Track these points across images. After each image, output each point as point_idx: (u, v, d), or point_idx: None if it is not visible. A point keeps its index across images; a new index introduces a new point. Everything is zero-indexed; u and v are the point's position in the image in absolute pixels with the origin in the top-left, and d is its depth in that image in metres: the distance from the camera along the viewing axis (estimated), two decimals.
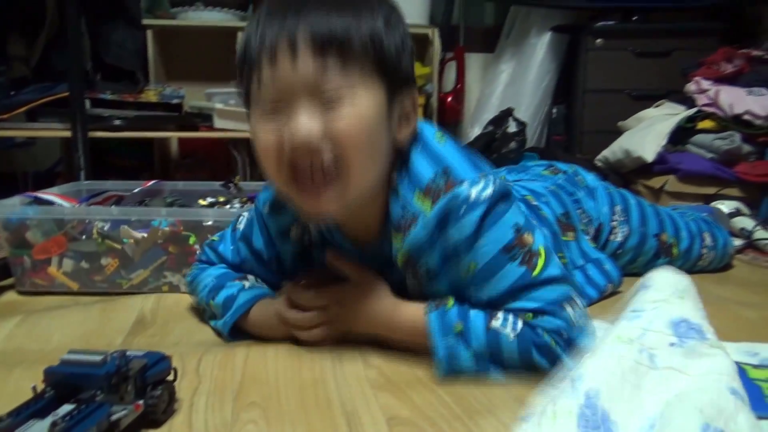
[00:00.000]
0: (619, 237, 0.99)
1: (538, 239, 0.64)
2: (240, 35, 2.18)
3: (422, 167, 0.64)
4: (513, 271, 0.62)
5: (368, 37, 0.59)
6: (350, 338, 0.70)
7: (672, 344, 0.52)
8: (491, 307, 0.64)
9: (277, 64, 0.58)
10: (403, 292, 0.70)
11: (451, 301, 0.65)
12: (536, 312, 0.62)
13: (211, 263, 0.82)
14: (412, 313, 0.66)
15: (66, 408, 0.47)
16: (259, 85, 0.59)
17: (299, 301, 0.69)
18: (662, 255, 1.03)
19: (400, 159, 0.66)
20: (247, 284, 0.76)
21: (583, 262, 0.90)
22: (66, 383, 0.49)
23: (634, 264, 1.02)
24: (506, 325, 0.61)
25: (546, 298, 0.62)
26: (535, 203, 0.87)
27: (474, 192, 0.62)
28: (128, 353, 0.52)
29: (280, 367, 0.65)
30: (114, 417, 0.47)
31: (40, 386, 0.50)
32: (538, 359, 0.61)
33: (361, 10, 0.59)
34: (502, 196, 0.63)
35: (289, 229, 0.74)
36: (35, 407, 0.47)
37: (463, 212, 0.61)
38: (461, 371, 0.62)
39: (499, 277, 0.62)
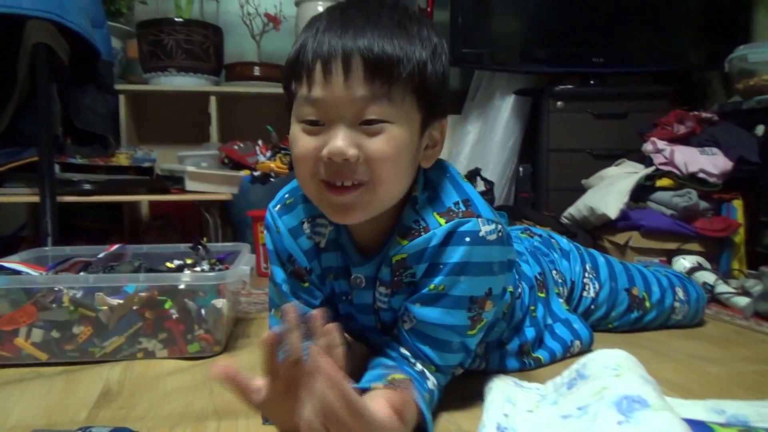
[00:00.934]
0: (591, 293, 1.03)
1: (490, 313, 0.70)
2: (213, 99, 2.22)
3: (448, 194, 0.69)
4: (460, 317, 0.68)
5: (416, 65, 0.62)
6: None
7: (620, 422, 0.54)
8: (414, 332, 0.68)
9: (329, 82, 0.60)
10: (368, 308, 0.75)
11: (409, 377, 0.65)
12: (438, 368, 0.69)
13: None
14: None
15: None
16: (307, 95, 0.62)
17: None
18: (635, 308, 1.06)
19: (423, 178, 0.70)
20: None
21: (551, 322, 0.92)
22: None
23: (608, 319, 1.05)
24: (433, 384, 0.68)
25: (450, 361, 0.70)
26: (516, 260, 0.90)
27: (484, 230, 0.66)
28: (93, 431, 0.50)
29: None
30: None
31: None
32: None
33: (414, 39, 0.62)
34: (508, 263, 0.70)
35: (301, 225, 0.75)
36: None
37: (465, 240, 0.65)
38: None
39: (450, 312, 0.67)
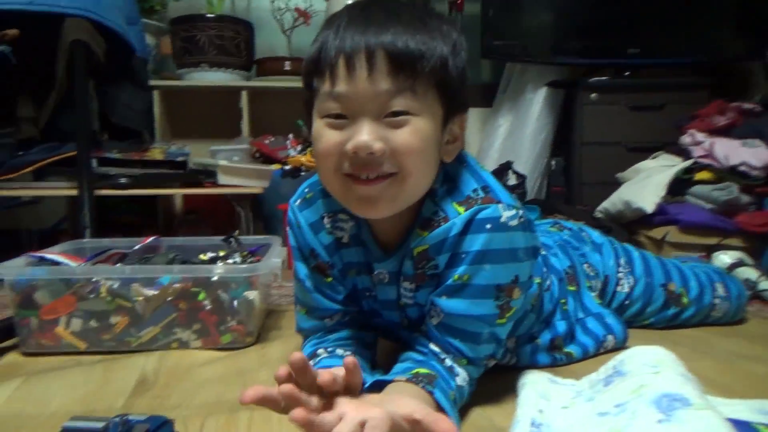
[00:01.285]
0: (625, 288, 1.00)
1: (519, 301, 0.69)
2: (244, 94, 2.24)
3: (466, 182, 0.69)
4: (488, 306, 0.67)
5: (438, 61, 0.62)
6: None
7: (660, 421, 0.53)
8: (443, 326, 0.67)
9: (352, 77, 0.60)
10: (392, 303, 0.75)
11: (432, 373, 0.64)
12: (470, 361, 0.68)
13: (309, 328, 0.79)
14: (412, 395, 0.61)
15: None
16: (330, 90, 0.62)
17: None
18: (672, 305, 1.03)
19: (443, 171, 0.70)
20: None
21: (583, 316, 0.90)
22: None
23: (643, 315, 1.02)
24: (463, 380, 0.67)
25: (482, 353, 0.69)
26: (544, 253, 0.89)
27: (505, 215, 0.65)
28: (130, 418, 0.51)
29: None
30: None
31: None
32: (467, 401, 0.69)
33: (435, 34, 0.62)
34: (533, 249, 0.69)
35: (321, 220, 0.75)
36: None
37: (486, 227, 0.64)
38: None
39: (477, 301, 0.66)
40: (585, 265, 0.96)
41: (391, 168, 0.62)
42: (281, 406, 0.53)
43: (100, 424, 0.49)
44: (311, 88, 0.65)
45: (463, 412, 0.68)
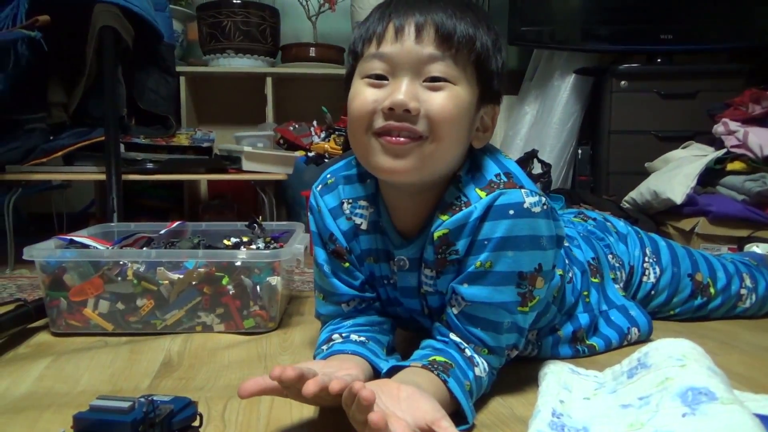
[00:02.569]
0: (651, 278, 0.99)
1: (542, 290, 0.68)
2: (269, 80, 2.25)
3: (489, 168, 0.69)
4: (509, 293, 0.66)
5: (480, 45, 0.65)
6: None
7: (684, 414, 0.52)
8: (464, 315, 0.67)
9: (399, 39, 0.64)
10: (413, 291, 0.75)
11: (449, 361, 0.64)
12: (491, 350, 0.68)
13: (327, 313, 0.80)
14: (425, 382, 0.61)
15: None
16: (376, 51, 0.65)
17: None
18: (699, 295, 1.01)
19: (469, 160, 0.70)
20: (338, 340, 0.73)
21: (607, 308, 0.89)
22: (94, 430, 0.49)
23: (670, 305, 1.01)
24: (482, 370, 0.66)
25: (503, 342, 0.68)
26: (566, 245, 0.88)
27: (528, 200, 0.64)
28: (155, 399, 0.52)
29: (305, 416, 0.64)
30: None
31: (69, 431, 0.50)
32: (488, 391, 0.69)
33: (479, 23, 0.66)
34: (557, 238, 0.68)
35: (341, 206, 0.76)
36: None
37: (509, 213, 0.64)
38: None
39: (499, 288, 0.65)
40: (609, 256, 0.94)
41: (423, 130, 0.63)
42: (284, 391, 0.54)
43: (126, 404, 0.50)
44: (356, 54, 0.68)
45: (483, 400, 0.68)
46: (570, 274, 0.84)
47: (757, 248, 1.32)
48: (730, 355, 0.86)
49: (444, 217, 0.68)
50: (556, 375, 0.71)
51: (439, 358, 0.64)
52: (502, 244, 0.64)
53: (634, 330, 0.89)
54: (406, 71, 0.63)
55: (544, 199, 0.66)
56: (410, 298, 0.77)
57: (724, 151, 1.66)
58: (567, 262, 0.84)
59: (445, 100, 0.63)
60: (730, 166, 1.63)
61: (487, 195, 0.65)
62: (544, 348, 0.81)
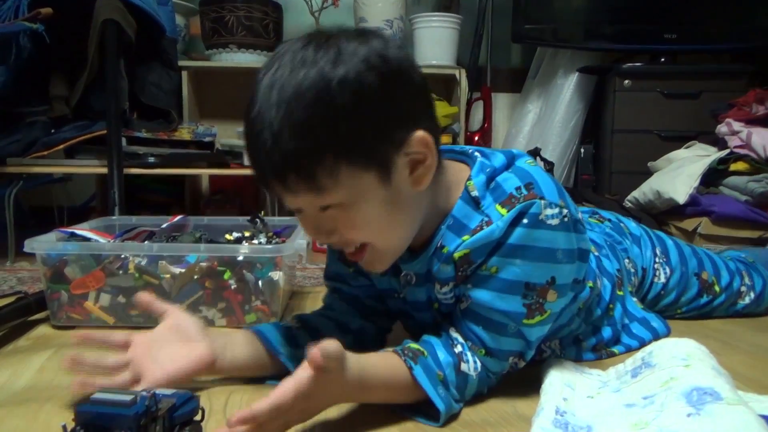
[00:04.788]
0: (662, 278, 0.99)
1: (556, 304, 0.66)
2: None
3: (509, 181, 0.65)
4: (513, 302, 0.64)
5: (327, 147, 0.56)
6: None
7: (689, 414, 0.52)
8: (468, 312, 0.66)
9: (280, 194, 0.60)
10: (423, 305, 0.73)
11: (422, 349, 0.64)
12: (489, 352, 0.66)
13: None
14: (384, 368, 0.62)
15: None
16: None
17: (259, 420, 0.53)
18: (705, 293, 1.02)
19: (482, 171, 0.66)
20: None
21: (628, 321, 0.88)
22: (95, 423, 0.49)
23: (677, 304, 1.01)
24: (470, 367, 0.65)
25: (505, 346, 0.66)
26: (596, 253, 0.86)
27: (545, 212, 0.63)
28: (157, 393, 0.52)
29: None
30: None
31: (70, 424, 0.50)
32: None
33: (314, 126, 0.55)
34: (579, 252, 0.66)
35: None
36: None
37: (523, 222, 0.62)
38: (451, 414, 0.63)
39: (502, 296, 0.64)
40: (626, 260, 0.93)
41: (357, 242, 0.63)
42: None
43: (128, 397, 0.49)
44: None
45: (486, 399, 0.68)
46: (599, 285, 0.81)
47: None
48: (732, 356, 0.85)
49: (465, 238, 0.65)
50: (558, 373, 0.71)
51: (413, 345, 0.65)
52: (512, 251, 0.63)
53: (654, 340, 0.88)
54: (306, 214, 0.62)
55: (565, 210, 0.64)
56: (421, 311, 0.75)
57: (727, 151, 1.66)
58: (598, 273, 0.82)
59: (348, 227, 0.61)
60: (733, 167, 1.63)
61: (508, 211, 0.63)
62: (567, 355, 0.80)
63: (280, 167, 0.57)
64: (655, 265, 0.98)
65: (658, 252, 0.99)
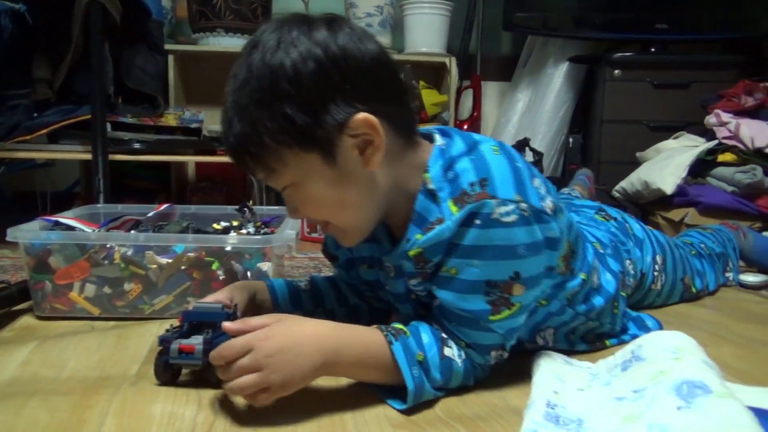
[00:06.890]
0: (658, 286, 1.01)
1: (524, 297, 0.65)
2: None
3: (466, 174, 0.64)
4: (476, 301, 0.64)
5: (267, 132, 0.60)
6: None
7: (679, 408, 0.52)
8: (440, 309, 0.67)
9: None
10: (401, 296, 0.74)
11: (406, 330, 0.65)
12: (469, 345, 0.67)
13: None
14: (364, 338, 0.63)
15: (199, 337, 0.65)
16: None
17: (221, 353, 0.59)
18: (685, 294, 1.07)
19: (441, 161, 0.66)
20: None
21: (626, 321, 0.88)
22: (200, 320, 0.68)
23: (658, 297, 1.03)
24: (454, 353, 0.66)
25: (479, 340, 0.66)
26: (602, 251, 0.86)
27: (497, 212, 0.61)
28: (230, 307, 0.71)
29: (298, 405, 0.63)
30: None
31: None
32: (469, 383, 0.68)
33: (253, 111, 0.60)
34: (546, 241, 0.65)
35: None
36: (180, 332, 0.67)
37: (476, 223, 0.61)
38: (422, 400, 0.63)
39: (464, 296, 0.64)
40: (627, 261, 0.93)
41: (320, 219, 0.68)
42: None
43: (219, 305, 0.68)
44: None
45: (477, 391, 0.68)
46: (596, 280, 0.80)
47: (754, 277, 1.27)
48: (720, 347, 0.86)
49: (418, 236, 0.65)
50: (549, 366, 0.71)
51: (398, 326, 0.65)
52: (469, 252, 0.62)
53: None
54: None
55: (523, 205, 0.62)
56: (403, 303, 0.75)
57: (715, 142, 1.66)
58: (596, 266, 0.81)
59: (305, 204, 0.66)
60: (721, 158, 1.64)
61: (459, 209, 0.62)
62: (559, 346, 0.79)
63: (236, 151, 0.64)
64: (655, 273, 0.99)
65: (658, 260, 0.99)
